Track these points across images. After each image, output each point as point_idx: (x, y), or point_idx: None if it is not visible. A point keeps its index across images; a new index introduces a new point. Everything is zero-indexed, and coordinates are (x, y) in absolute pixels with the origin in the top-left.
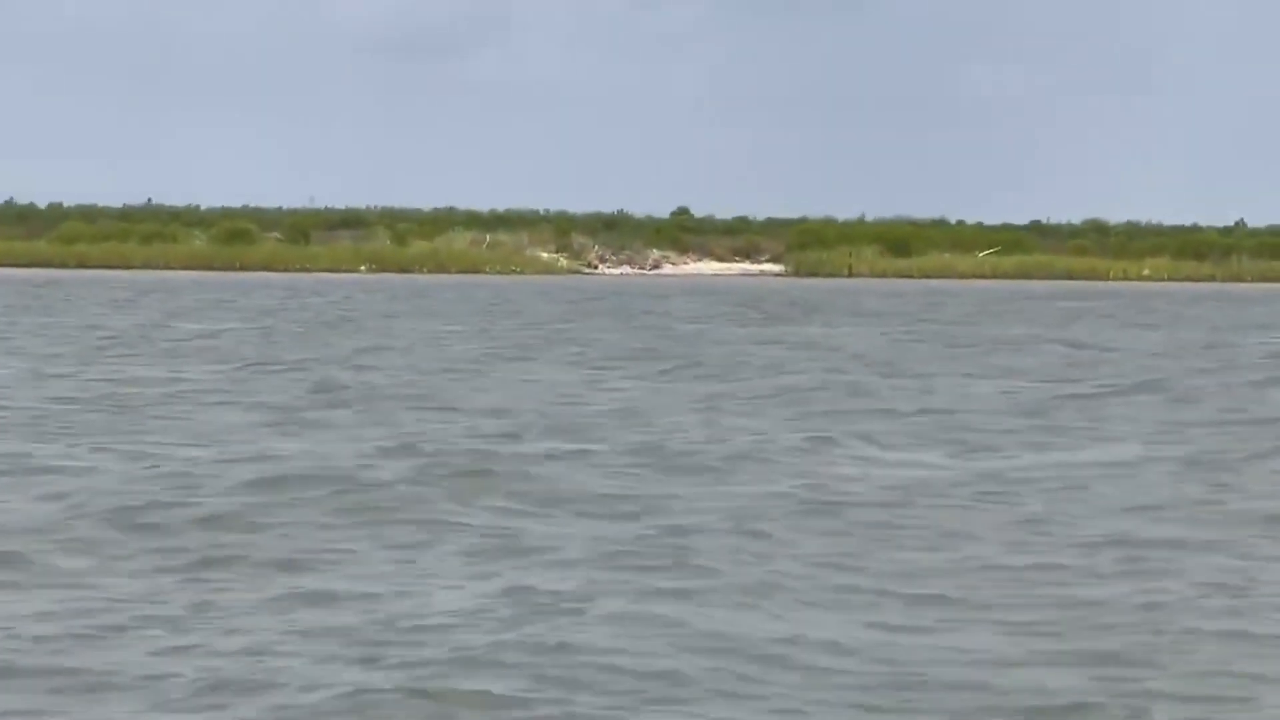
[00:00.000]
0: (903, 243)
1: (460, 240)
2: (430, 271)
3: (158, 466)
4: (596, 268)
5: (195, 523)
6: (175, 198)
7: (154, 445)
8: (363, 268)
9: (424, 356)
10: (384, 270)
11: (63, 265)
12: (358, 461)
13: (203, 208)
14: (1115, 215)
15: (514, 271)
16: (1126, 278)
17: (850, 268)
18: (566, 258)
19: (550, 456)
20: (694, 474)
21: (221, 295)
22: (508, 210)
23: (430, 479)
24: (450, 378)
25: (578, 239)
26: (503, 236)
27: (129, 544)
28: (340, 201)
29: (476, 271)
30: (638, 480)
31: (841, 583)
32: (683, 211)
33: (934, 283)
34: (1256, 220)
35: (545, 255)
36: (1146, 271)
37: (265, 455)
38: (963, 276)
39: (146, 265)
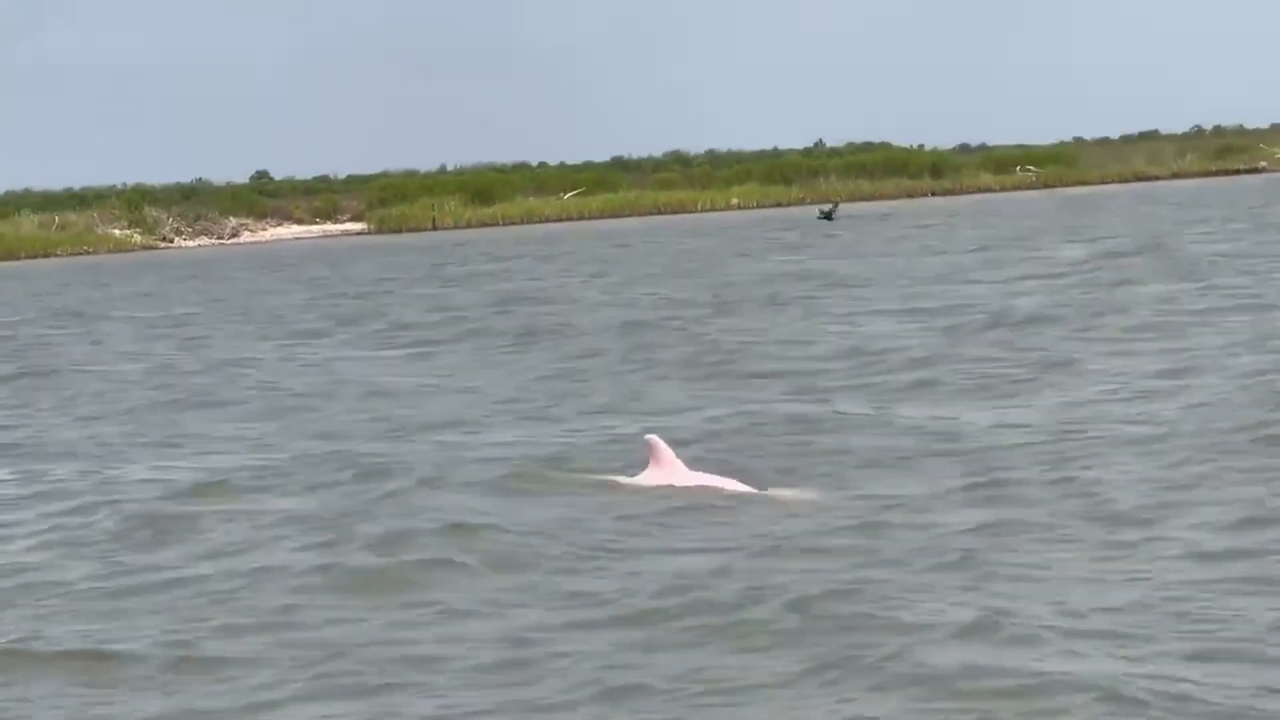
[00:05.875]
0: (486, 190)
1: (28, 223)
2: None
3: None
4: (172, 241)
5: None
6: None
7: None
8: None
9: None
10: None
11: None
12: None
13: None
14: (695, 145)
15: (86, 251)
16: (714, 208)
17: (434, 220)
18: (140, 233)
19: None
20: None
21: None
22: (84, 188)
23: None
24: None
25: (151, 212)
26: (73, 216)
27: None
28: None
29: (48, 254)
30: None
31: None
32: (262, 175)
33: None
34: (834, 139)
35: (118, 232)
36: (735, 200)
37: None
38: (548, 220)
39: None
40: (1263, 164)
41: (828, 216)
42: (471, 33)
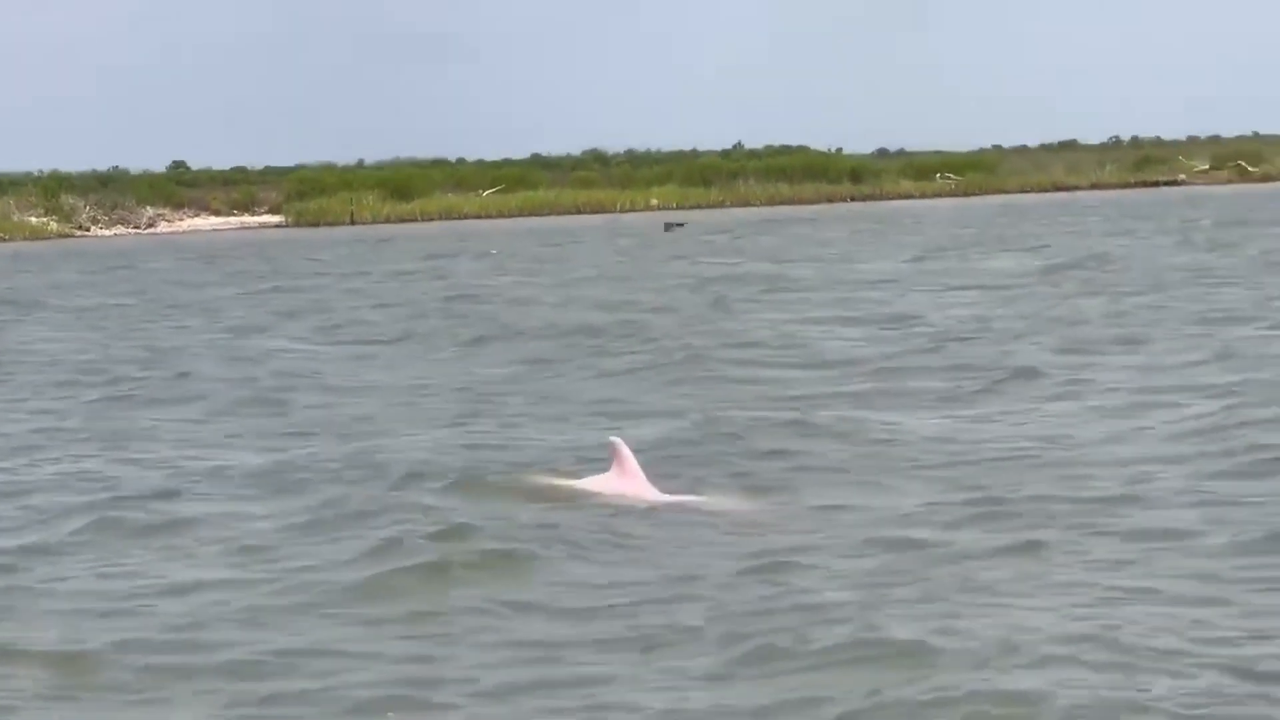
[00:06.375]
0: (404, 186)
1: None
2: None
3: None
4: (89, 229)
5: None
6: None
7: None
8: None
9: None
10: None
11: None
12: None
13: None
14: (614, 144)
15: (2, 238)
16: (634, 208)
17: (353, 215)
18: (56, 220)
19: None
20: None
21: None
22: (0, 174)
23: None
24: None
25: (68, 200)
26: None
27: None
28: None
29: None
30: None
31: None
32: (179, 165)
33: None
34: (753, 141)
35: (34, 219)
36: (655, 201)
37: None
38: (467, 217)
39: None
40: (1182, 177)
41: (676, 226)
42: (390, 25)
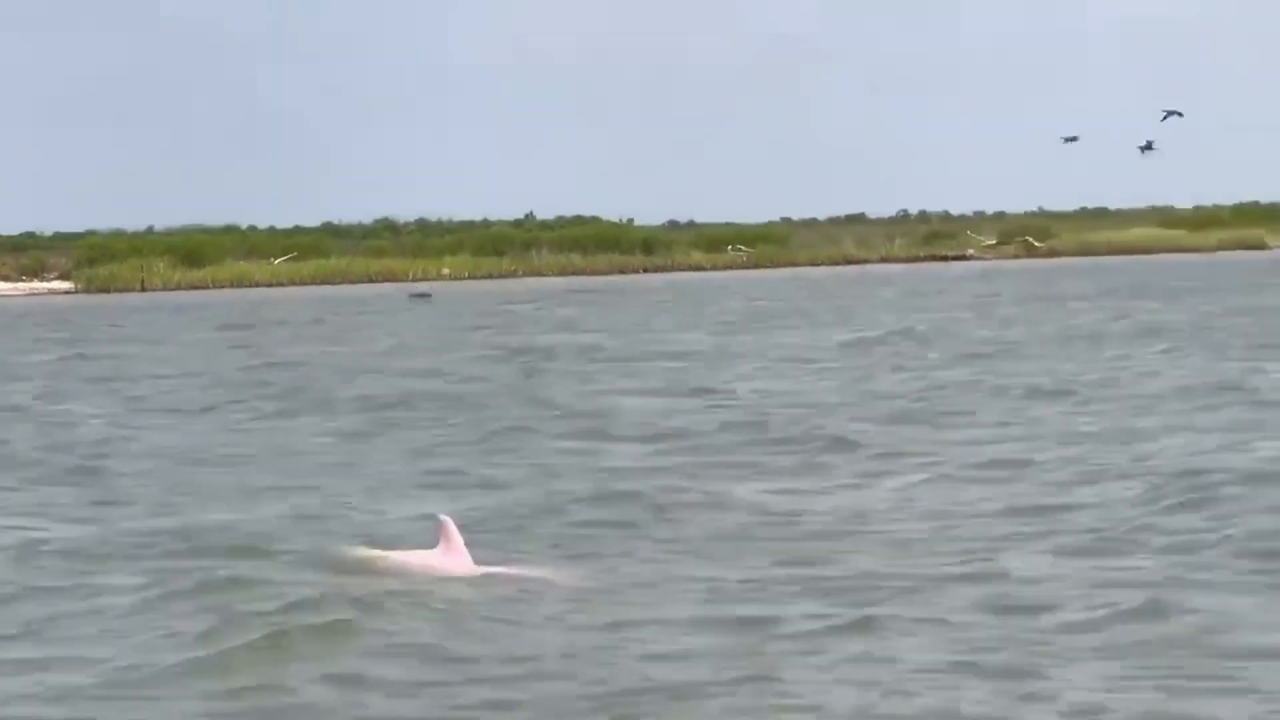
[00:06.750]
0: (195, 253)
1: None
2: None
3: None
4: None
5: None
6: None
7: None
8: None
9: None
10: None
11: None
12: None
13: None
14: (405, 212)
15: None
16: (426, 277)
17: (143, 282)
18: None
19: None
20: None
21: None
22: None
23: None
24: None
25: None
26: None
27: None
28: None
29: None
30: None
31: None
32: None
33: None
34: (544, 212)
35: None
36: (447, 270)
37: None
38: (259, 284)
39: None
40: (970, 252)
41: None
42: (178, 91)
